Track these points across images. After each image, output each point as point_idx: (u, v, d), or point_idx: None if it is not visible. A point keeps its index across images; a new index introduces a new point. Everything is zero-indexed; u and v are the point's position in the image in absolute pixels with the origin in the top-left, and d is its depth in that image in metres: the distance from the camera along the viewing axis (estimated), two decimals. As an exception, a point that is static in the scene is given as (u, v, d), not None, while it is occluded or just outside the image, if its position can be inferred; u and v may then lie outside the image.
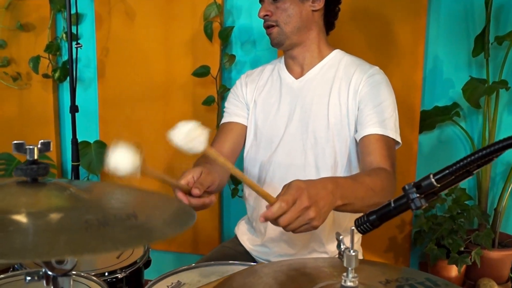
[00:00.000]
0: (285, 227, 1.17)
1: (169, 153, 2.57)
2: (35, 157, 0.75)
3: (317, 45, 1.73)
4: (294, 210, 1.15)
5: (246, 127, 1.83)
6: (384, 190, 1.44)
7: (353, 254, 0.89)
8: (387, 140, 1.58)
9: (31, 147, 0.74)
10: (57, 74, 2.60)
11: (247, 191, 1.83)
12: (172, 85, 2.57)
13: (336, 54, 1.75)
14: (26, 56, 2.68)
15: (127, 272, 1.57)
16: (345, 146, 1.65)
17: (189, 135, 1.19)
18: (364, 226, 0.98)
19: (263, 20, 1.71)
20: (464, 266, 2.25)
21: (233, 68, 2.53)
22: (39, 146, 0.75)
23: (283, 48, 1.72)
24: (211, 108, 2.50)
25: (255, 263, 1.60)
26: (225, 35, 2.37)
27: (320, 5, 1.69)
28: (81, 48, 2.21)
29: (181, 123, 1.19)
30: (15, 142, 0.73)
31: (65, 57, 2.68)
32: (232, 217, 2.70)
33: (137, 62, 2.60)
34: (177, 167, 2.50)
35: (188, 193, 1.30)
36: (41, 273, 0.79)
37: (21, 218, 0.67)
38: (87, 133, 2.67)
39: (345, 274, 0.90)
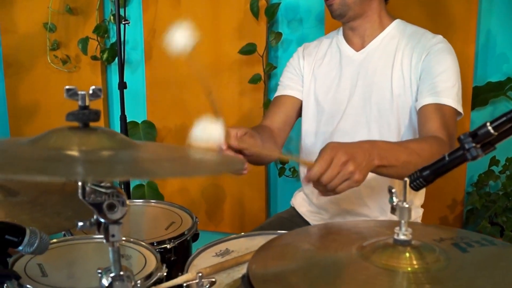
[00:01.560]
0: (328, 185, 1.20)
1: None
2: (87, 103, 0.75)
3: (378, 15, 1.70)
4: (333, 166, 1.19)
5: (300, 100, 1.82)
6: (433, 155, 1.40)
7: (406, 206, 0.87)
8: (445, 110, 1.55)
9: (82, 92, 0.75)
10: (105, 55, 2.64)
11: (302, 169, 1.82)
12: (219, 64, 2.57)
13: (398, 24, 1.72)
14: (75, 39, 2.72)
15: (176, 243, 1.58)
16: (409, 118, 1.64)
17: (205, 134, 1.22)
18: (418, 181, 0.95)
19: None
20: (519, 245, 2.17)
21: (280, 46, 2.51)
22: (90, 92, 0.76)
23: (345, 19, 1.69)
24: (258, 86, 2.49)
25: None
26: (271, 12, 2.35)
27: None
28: (128, 25, 2.23)
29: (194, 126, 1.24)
30: (67, 87, 0.74)
31: (113, 39, 2.72)
32: (279, 197, 2.69)
33: (183, 42, 2.60)
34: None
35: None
36: (92, 220, 0.80)
37: (74, 153, 0.68)
38: (135, 114, 2.70)
39: (397, 227, 0.88)
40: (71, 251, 1.38)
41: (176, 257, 1.59)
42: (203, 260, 1.31)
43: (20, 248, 1.09)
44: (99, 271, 0.85)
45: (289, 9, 2.47)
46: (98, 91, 0.75)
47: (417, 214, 1.76)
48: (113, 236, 0.79)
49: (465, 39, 2.25)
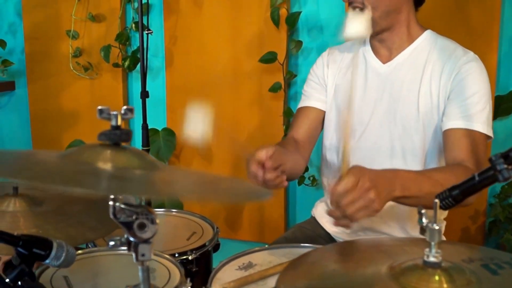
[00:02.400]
0: (347, 209, 1.17)
1: (237, 141, 2.59)
2: (119, 123, 0.76)
3: (407, 27, 1.63)
4: (357, 189, 1.17)
5: (323, 112, 1.77)
6: None
7: (436, 228, 0.86)
8: (474, 135, 1.50)
9: (114, 113, 0.76)
10: (127, 63, 2.66)
11: (325, 180, 1.81)
12: (239, 72, 2.58)
13: (428, 35, 1.65)
14: (97, 46, 2.75)
15: (197, 254, 1.59)
16: (434, 137, 1.58)
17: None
18: (447, 201, 0.95)
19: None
20: (543, 258, 2.14)
21: (300, 54, 2.51)
22: (122, 112, 0.77)
23: (372, 34, 1.61)
24: (278, 95, 2.49)
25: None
26: (292, 20, 2.35)
27: None
28: (151, 35, 2.24)
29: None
30: (100, 107, 0.75)
31: (134, 47, 2.74)
32: (298, 206, 2.68)
33: (204, 50, 2.61)
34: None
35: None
36: (123, 239, 0.80)
37: (108, 168, 0.70)
38: (155, 121, 2.71)
39: (427, 249, 0.87)
40: (95, 262, 1.39)
41: (197, 268, 1.59)
42: (226, 274, 1.31)
43: (47, 261, 1.09)
44: (128, 288, 0.86)
45: (310, 17, 2.46)
46: (129, 111, 0.76)
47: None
48: (143, 255, 0.79)
49: (487, 47, 2.23)
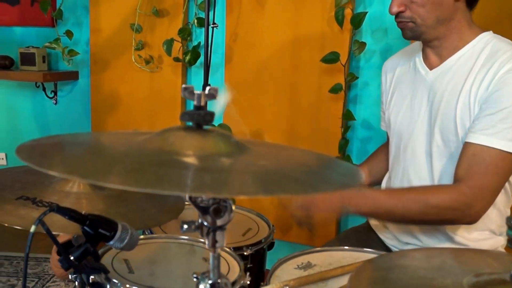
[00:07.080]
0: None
1: (292, 141, 2.57)
2: (202, 103, 0.75)
3: (458, 33, 1.49)
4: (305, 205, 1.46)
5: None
6: (429, 209, 1.40)
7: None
8: (489, 153, 1.37)
9: (198, 92, 0.74)
10: (188, 57, 2.67)
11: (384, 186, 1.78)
12: (298, 71, 2.55)
13: (482, 39, 1.48)
14: (158, 40, 2.78)
15: (253, 250, 1.57)
16: None
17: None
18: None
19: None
20: None
21: (362, 56, 2.46)
22: (206, 92, 0.75)
23: (419, 40, 1.56)
24: (337, 96, 2.44)
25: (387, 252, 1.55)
26: (358, 21, 2.30)
27: None
28: (217, 28, 2.24)
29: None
30: (184, 86, 0.74)
31: (195, 42, 2.75)
32: (351, 210, 2.63)
33: (264, 48, 2.60)
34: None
35: None
36: (196, 223, 0.79)
37: (192, 160, 0.68)
38: (212, 117, 2.71)
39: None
40: (155, 249, 1.40)
41: (252, 264, 1.58)
42: (284, 272, 1.29)
43: (111, 242, 1.10)
44: (195, 275, 0.84)
45: (374, 18, 2.40)
46: (215, 91, 0.75)
47: (499, 243, 1.58)
48: (216, 242, 0.78)
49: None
